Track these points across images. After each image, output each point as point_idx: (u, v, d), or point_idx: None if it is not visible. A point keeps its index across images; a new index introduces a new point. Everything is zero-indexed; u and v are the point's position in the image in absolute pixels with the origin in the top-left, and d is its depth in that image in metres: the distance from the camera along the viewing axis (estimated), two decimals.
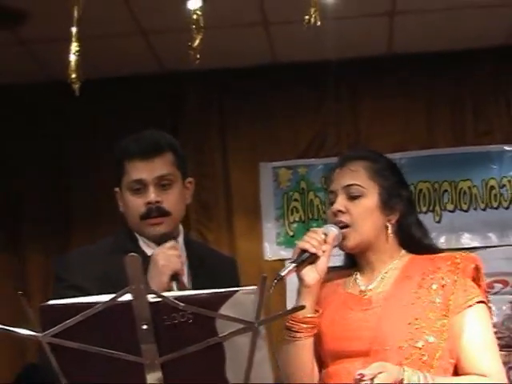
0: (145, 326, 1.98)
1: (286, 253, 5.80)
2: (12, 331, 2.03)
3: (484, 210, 6.07)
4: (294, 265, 2.53)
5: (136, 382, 2.04)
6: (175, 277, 2.72)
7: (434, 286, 2.57)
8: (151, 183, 2.87)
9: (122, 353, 2.01)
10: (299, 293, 2.58)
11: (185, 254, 2.98)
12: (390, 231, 2.67)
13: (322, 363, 2.60)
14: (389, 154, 5.78)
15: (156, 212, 2.86)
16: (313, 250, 2.55)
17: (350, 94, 6.14)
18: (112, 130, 5.49)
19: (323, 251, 2.57)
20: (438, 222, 6.07)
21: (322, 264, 2.58)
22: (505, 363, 5.74)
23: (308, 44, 5.69)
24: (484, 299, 2.61)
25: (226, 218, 6.18)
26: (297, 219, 6.12)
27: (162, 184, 2.89)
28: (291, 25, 5.27)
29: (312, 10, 3.01)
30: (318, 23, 3.03)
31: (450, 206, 6.09)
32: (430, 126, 6.14)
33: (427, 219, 5.97)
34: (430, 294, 2.55)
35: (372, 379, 2.31)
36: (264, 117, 6.16)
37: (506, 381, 2.56)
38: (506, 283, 5.94)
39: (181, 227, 3.04)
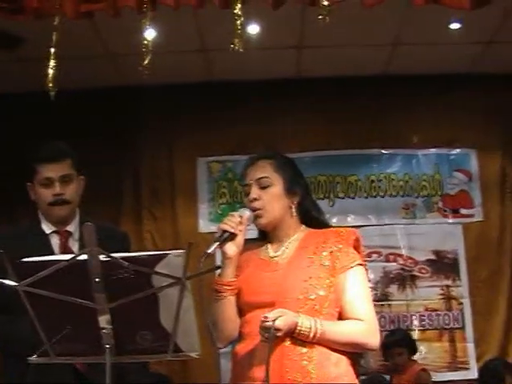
0: (97, 279, 1.97)
1: (216, 227, 5.78)
2: None
3: (366, 197, 6.15)
4: (217, 243, 2.51)
5: (90, 324, 2.02)
6: None
7: (325, 253, 2.56)
8: (57, 180, 3.02)
9: (80, 299, 1.99)
10: (223, 263, 2.57)
11: (78, 230, 3.08)
12: (292, 211, 2.67)
13: (241, 313, 2.60)
14: (296, 154, 5.99)
15: (60, 201, 3.04)
16: (231, 230, 2.53)
17: (267, 108, 6.13)
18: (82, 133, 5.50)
19: (239, 230, 2.55)
20: (332, 206, 6.12)
21: (239, 240, 2.56)
22: (378, 312, 5.83)
23: (237, 67, 5.70)
24: (362, 263, 2.61)
25: (171, 200, 6.16)
26: (224, 202, 6.13)
27: (64, 180, 3.04)
28: (225, 52, 5.30)
29: (236, 40, 3.00)
30: (241, 50, 3.03)
31: (341, 194, 6.16)
32: (328, 133, 6.19)
33: (323, 204, 6.05)
34: (321, 259, 2.55)
35: (273, 320, 2.32)
36: (201, 123, 6.13)
37: (376, 324, 2.57)
38: (380, 254, 6.03)
39: (77, 210, 3.16)
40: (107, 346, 2.03)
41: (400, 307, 5.95)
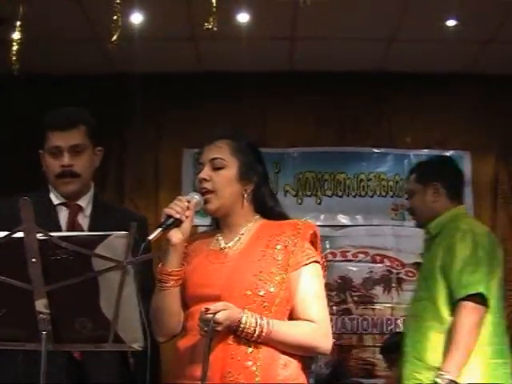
0: (34, 260, 1.84)
1: (199, 220, 5.61)
2: None
3: (354, 196, 6.01)
4: (160, 229, 2.33)
5: (26, 308, 1.89)
6: None
7: (278, 247, 2.40)
8: (66, 150, 2.80)
9: (15, 281, 1.85)
10: (167, 250, 2.40)
11: (91, 206, 2.90)
12: (245, 199, 2.50)
13: (185, 306, 2.44)
14: (285, 148, 5.90)
15: (68, 173, 2.82)
16: (177, 216, 2.36)
17: (257, 101, 5.99)
18: None
19: (186, 216, 2.38)
20: (319, 204, 5.99)
21: (186, 227, 2.39)
22: (360, 315, 5.77)
23: (227, 58, 5.59)
24: (319, 260, 2.44)
25: (154, 191, 6.02)
26: None
27: (75, 151, 2.82)
28: (216, 41, 5.17)
29: (211, 19, 2.83)
30: (215, 29, 2.86)
31: (329, 192, 6.01)
32: (318, 129, 6.05)
33: (310, 201, 5.94)
34: (274, 253, 2.39)
35: (214, 313, 2.17)
36: (188, 114, 6.00)
37: (329, 327, 2.40)
38: (367, 254, 5.90)
39: (92, 185, 2.95)
40: (44, 333, 1.89)
41: (384, 310, 5.80)
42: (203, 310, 2.19)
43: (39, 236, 1.81)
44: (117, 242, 1.82)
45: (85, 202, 2.89)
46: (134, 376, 2.77)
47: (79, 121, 2.86)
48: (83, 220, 2.87)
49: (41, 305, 1.88)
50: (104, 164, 5.80)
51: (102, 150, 2.97)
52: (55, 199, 2.88)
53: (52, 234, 1.81)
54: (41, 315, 1.89)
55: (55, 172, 2.82)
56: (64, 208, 2.87)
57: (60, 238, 1.81)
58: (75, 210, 2.86)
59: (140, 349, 1.92)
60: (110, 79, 5.92)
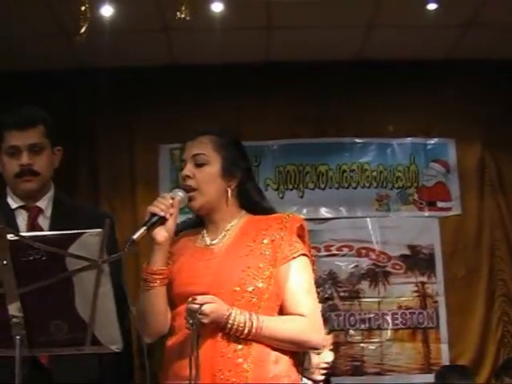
0: (5, 262, 1.81)
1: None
2: None
3: (337, 188, 6.00)
4: (144, 228, 2.34)
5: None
6: None
7: (265, 241, 2.41)
8: (24, 149, 2.82)
9: None
10: (152, 249, 2.41)
11: (51, 207, 2.90)
12: (229, 195, 2.51)
13: (172, 305, 2.44)
14: (265, 141, 5.89)
15: (27, 172, 2.82)
16: (161, 214, 2.37)
17: (234, 93, 5.96)
18: None
19: (170, 214, 2.39)
20: (301, 197, 5.98)
21: (170, 224, 2.40)
22: (346, 311, 5.77)
23: (201, 49, 5.57)
24: (307, 253, 2.46)
25: (130, 189, 5.99)
26: None
27: (34, 150, 2.84)
28: (188, 32, 5.15)
29: (183, 7, 2.81)
30: (188, 18, 2.83)
31: (311, 185, 6.00)
32: (297, 121, 6.04)
33: (292, 194, 5.93)
34: (262, 248, 2.40)
35: (201, 305, 2.18)
36: (163, 108, 5.96)
37: (320, 320, 2.42)
38: (351, 247, 5.89)
39: (52, 185, 2.96)
40: (18, 337, 1.88)
41: (371, 305, 5.80)
42: (190, 299, 2.21)
43: (10, 237, 1.79)
44: (90, 240, 1.81)
45: (44, 202, 2.90)
46: (106, 375, 2.77)
47: (37, 120, 2.87)
48: (43, 221, 2.88)
49: (14, 308, 1.86)
50: (77, 162, 5.93)
51: (60, 149, 2.97)
52: (13, 203, 2.88)
53: (23, 234, 1.79)
54: (14, 319, 1.87)
55: (14, 171, 2.83)
56: (23, 211, 2.87)
57: (32, 238, 1.79)
58: (35, 213, 2.87)
59: (118, 350, 1.91)
60: (81, 74, 5.87)
